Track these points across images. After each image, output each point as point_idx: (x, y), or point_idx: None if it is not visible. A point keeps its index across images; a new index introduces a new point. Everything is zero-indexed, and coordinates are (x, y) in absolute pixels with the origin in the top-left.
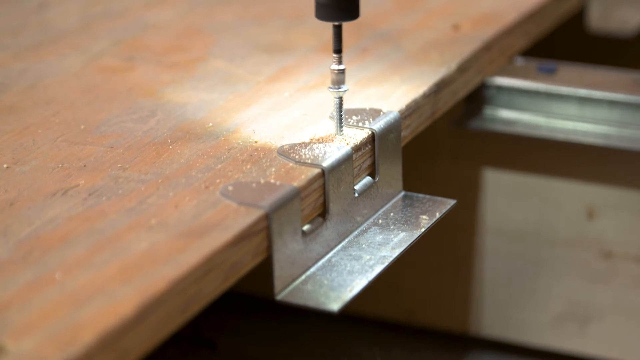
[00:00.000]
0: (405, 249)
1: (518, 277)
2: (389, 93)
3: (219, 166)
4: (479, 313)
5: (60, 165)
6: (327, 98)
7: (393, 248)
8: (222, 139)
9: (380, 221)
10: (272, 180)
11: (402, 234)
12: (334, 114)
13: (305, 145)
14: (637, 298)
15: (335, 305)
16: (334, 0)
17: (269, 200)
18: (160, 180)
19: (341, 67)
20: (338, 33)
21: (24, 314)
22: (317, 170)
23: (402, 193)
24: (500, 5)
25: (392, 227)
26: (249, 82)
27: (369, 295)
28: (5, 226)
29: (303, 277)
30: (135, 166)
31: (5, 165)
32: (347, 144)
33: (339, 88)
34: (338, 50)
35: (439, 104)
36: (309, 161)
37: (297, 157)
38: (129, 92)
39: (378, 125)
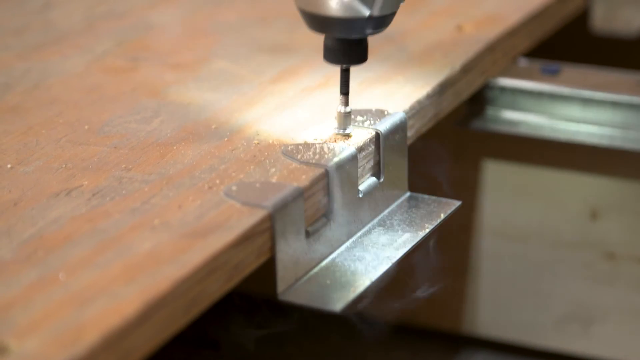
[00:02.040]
0: (409, 250)
1: (521, 278)
2: (392, 93)
3: (223, 166)
4: (482, 314)
5: (63, 166)
6: (331, 98)
7: (397, 249)
8: (226, 139)
9: (384, 222)
10: (276, 181)
11: (406, 235)
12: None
13: (309, 145)
14: None
15: (337, 306)
16: (342, 45)
17: (272, 201)
18: (163, 181)
19: (348, 109)
20: (346, 76)
21: (28, 314)
22: (321, 171)
23: (407, 194)
24: (503, 6)
25: (396, 227)
26: (252, 83)
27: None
28: (9, 226)
29: (306, 277)
30: (139, 167)
31: (9, 166)
32: (350, 144)
33: (345, 130)
34: (346, 92)
35: (443, 105)
36: (313, 161)
37: (301, 157)
38: (133, 93)
39: (383, 126)
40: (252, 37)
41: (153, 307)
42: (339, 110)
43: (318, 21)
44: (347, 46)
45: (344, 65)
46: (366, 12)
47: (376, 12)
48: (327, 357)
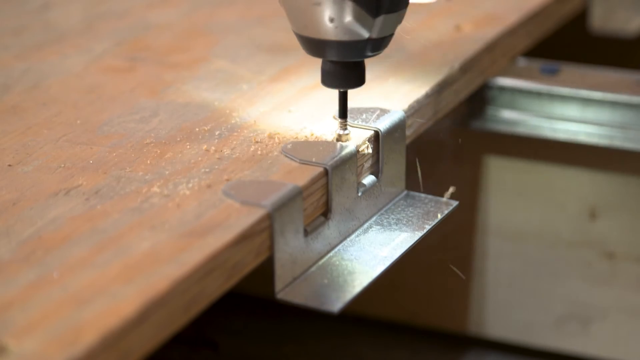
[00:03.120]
0: (406, 250)
1: (520, 277)
2: (391, 93)
3: (221, 166)
4: (481, 314)
5: (62, 166)
6: (329, 97)
7: (394, 249)
8: (225, 138)
9: (382, 221)
10: (275, 180)
11: (404, 235)
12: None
13: (308, 144)
14: (639, 298)
15: (335, 306)
16: (340, 69)
17: (271, 200)
18: (162, 180)
19: (347, 132)
20: (344, 99)
21: (26, 314)
22: (320, 170)
23: (405, 192)
24: (502, 5)
25: (394, 227)
26: (251, 82)
27: (371, 295)
28: (8, 226)
29: (304, 276)
30: (138, 166)
31: (8, 165)
32: (349, 143)
33: None
34: (344, 115)
35: (442, 104)
36: (313, 160)
37: (300, 156)
38: (132, 92)
39: (383, 124)
40: (251, 36)
41: (152, 307)
42: (338, 133)
43: (317, 45)
44: (345, 70)
45: (342, 89)
46: (366, 35)
47: (375, 34)
48: (327, 357)
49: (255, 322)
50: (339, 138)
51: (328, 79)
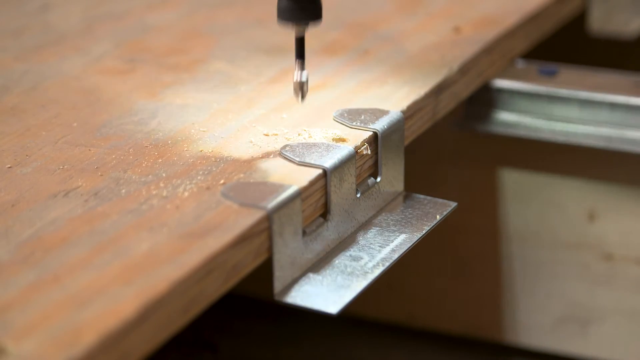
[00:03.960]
0: (405, 251)
1: (519, 279)
2: (390, 94)
3: (220, 167)
4: (479, 315)
5: (61, 167)
6: (328, 99)
7: (393, 250)
8: (223, 140)
9: (381, 222)
10: (274, 181)
11: (402, 236)
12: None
13: (307, 145)
14: (638, 300)
15: (334, 307)
16: (295, 2)
17: (270, 201)
18: (161, 182)
19: (304, 76)
20: (300, 40)
21: (26, 315)
22: (319, 171)
23: (404, 194)
24: (501, 7)
25: (392, 228)
26: (250, 84)
27: (369, 297)
28: (7, 227)
29: (303, 277)
30: (137, 168)
31: (7, 166)
32: (348, 144)
33: (302, 100)
34: (301, 55)
35: (440, 106)
36: (311, 161)
37: (299, 157)
38: (130, 94)
39: (381, 125)
40: (250, 38)
41: (151, 308)
42: (297, 80)
43: None
44: (299, 2)
45: (298, 25)
46: None
47: None
48: (327, 359)
49: (254, 324)
50: (300, 86)
51: (284, 14)
